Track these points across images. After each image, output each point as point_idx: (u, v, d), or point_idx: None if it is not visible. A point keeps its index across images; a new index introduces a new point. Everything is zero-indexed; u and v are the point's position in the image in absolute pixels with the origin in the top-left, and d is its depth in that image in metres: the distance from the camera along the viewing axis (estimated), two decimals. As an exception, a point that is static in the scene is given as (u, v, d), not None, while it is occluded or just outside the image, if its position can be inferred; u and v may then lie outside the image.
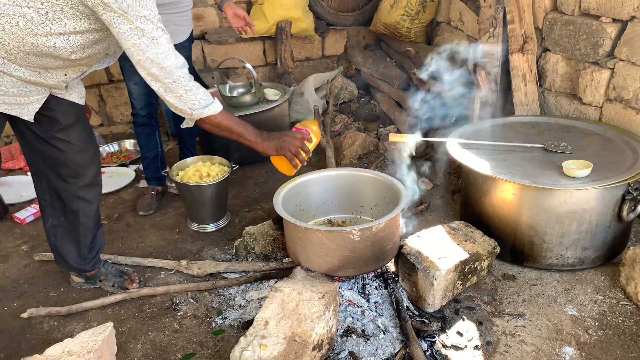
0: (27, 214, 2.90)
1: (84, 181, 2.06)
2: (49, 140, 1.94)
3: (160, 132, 2.98)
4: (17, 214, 2.90)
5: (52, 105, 1.88)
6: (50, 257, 2.51)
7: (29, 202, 3.05)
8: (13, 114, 1.78)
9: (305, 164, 2.00)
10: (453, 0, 3.56)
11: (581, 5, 2.65)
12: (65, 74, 1.80)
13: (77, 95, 1.97)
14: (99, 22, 1.61)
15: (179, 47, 2.76)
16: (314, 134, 2.06)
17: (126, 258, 2.48)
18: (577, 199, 2.10)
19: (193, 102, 1.72)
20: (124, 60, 2.71)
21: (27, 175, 3.37)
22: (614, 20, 2.51)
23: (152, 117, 2.88)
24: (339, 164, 3.25)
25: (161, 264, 2.44)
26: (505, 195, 2.23)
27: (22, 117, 1.80)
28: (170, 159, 3.38)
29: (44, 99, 1.83)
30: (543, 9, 2.86)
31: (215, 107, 1.77)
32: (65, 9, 1.56)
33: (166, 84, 1.67)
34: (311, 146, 2.03)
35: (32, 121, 1.83)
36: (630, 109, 2.50)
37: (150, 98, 2.84)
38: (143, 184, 3.23)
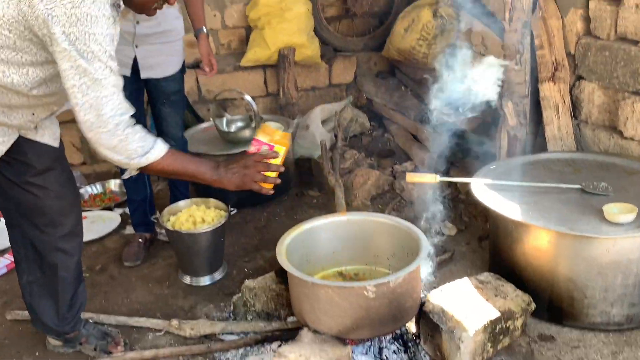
0: (0, 266, 2.91)
1: (62, 231, 2.08)
2: (23, 185, 1.97)
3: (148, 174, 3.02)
4: (-12, 265, 2.92)
5: (24, 149, 1.92)
6: (24, 316, 2.51)
7: (2, 252, 3.07)
8: None
9: (279, 181, 1.90)
10: (474, 23, 3.64)
11: (617, 30, 2.70)
12: (33, 113, 1.84)
13: (49, 137, 1.99)
14: None
15: (169, 80, 2.86)
16: (279, 144, 1.92)
17: (110, 317, 2.48)
18: (621, 247, 2.10)
19: (129, 152, 1.68)
20: None
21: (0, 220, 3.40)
22: (655, 46, 2.55)
23: None
24: (349, 206, 3.26)
25: (149, 324, 2.44)
26: (540, 244, 2.24)
27: None
28: (160, 201, 3.41)
29: (12, 141, 1.87)
30: (575, 33, 2.91)
31: (155, 154, 1.72)
32: (19, 41, 1.60)
33: (99, 133, 1.64)
34: (279, 160, 1.89)
35: None
36: (678, 144, 2.51)
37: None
38: (129, 230, 3.25)
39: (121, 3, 1.70)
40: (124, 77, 2.87)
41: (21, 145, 1.89)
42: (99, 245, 3.17)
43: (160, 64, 2.79)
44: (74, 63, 1.55)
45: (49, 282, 2.15)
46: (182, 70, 2.91)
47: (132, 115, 1.71)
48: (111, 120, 1.62)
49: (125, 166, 1.74)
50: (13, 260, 2.89)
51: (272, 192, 1.89)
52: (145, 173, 1.81)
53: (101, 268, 2.94)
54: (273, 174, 1.86)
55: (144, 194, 3.01)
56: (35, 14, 1.53)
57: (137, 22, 2.65)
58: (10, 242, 2.13)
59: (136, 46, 2.70)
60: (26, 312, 2.52)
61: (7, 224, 2.12)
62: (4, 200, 2.05)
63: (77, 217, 2.14)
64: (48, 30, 1.53)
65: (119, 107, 1.65)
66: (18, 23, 1.57)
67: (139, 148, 1.69)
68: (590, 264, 2.14)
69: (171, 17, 2.75)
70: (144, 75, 2.75)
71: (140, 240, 3.03)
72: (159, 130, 2.99)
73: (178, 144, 3.00)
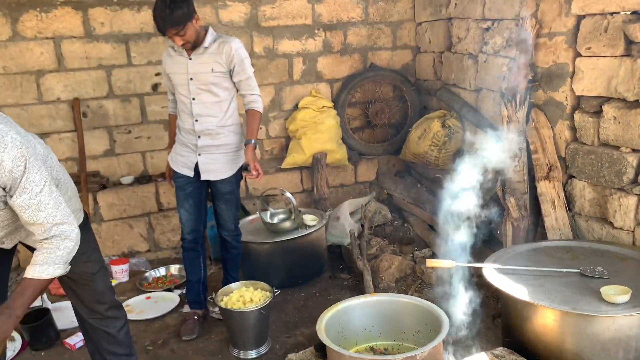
0: (77, 340, 2.96)
1: (103, 307, 2.17)
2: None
3: (205, 257, 3.12)
4: (67, 340, 2.98)
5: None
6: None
7: (79, 328, 3.13)
8: None
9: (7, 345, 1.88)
10: (478, 132, 3.80)
11: (600, 137, 2.81)
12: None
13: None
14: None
15: (224, 182, 2.97)
16: None
17: (171, 386, 2.49)
18: (620, 325, 2.08)
19: None
20: (179, 189, 2.96)
21: (77, 300, 3.50)
22: (634, 150, 2.65)
23: (198, 243, 3.04)
24: (376, 288, 3.28)
25: (205, 393, 2.43)
26: (547, 322, 2.23)
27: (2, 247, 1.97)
28: (212, 283, 3.48)
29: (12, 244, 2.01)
30: (564, 140, 3.04)
31: None
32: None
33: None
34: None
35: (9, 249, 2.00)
36: (662, 233, 2.54)
37: (198, 224, 3.03)
38: (187, 308, 3.30)
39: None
40: (187, 177, 3.04)
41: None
42: (161, 322, 3.20)
43: (217, 170, 2.94)
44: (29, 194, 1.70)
45: (99, 351, 2.23)
46: (237, 175, 3.02)
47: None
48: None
49: None
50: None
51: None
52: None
53: (162, 342, 2.96)
54: None
55: (199, 276, 3.08)
56: None
57: (199, 137, 2.87)
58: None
59: (199, 154, 2.90)
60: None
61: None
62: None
63: (96, 296, 2.18)
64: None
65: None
66: None
67: None
68: (594, 341, 2.12)
69: (231, 133, 2.94)
70: (203, 177, 2.92)
71: (195, 317, 3.07)
72: (217, 222, 3.11)
73: (230, 235, 3.11)
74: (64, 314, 3.28)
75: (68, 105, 3.88)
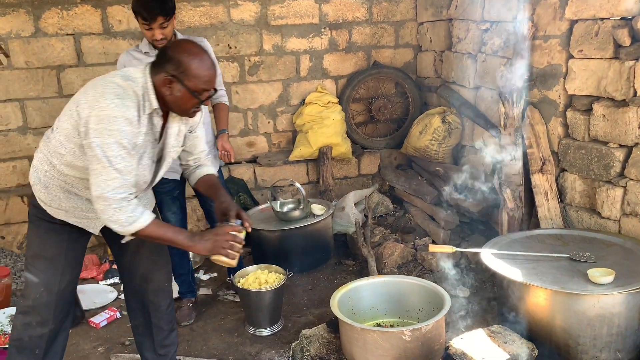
0: (101, 319, 3.17)
1: (153, 286, 2.31)
2: (124, 251, 2.25)
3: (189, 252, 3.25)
4: (92, 319, 3.17)
5: None
6: (125, 358, 2.73)
7: (102, 308, 3.33)
8: (82, 226, 2.11)
9: (242, 251, 2.08)
10: (476, 127, 4.01)
11: (590, 133, 3.02)
12: None
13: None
14: None
15: None
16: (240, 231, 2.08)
17: (194, 359, 2.69)
18: (604, 303, 2.29)
19: (121, 221, 1.89)
20: (166, 195, 3.00)
21: (99, 284, 3.70)
22: (620, 146, 2.85)
23: None
24: (380, 273, 3.47)
25: (226, 366, 2.64)
26: (538, 301, 2.43)
27: (89, 230, 2.13)
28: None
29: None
30: (557, 136, 3.24)
31: (140, 223, 1.91)
32: (75, 148, 1.94)
33: (102, 206, 1.88)
34: (243, 235, 2.06)
35: (98, 234, 2.16)
36: (645, 222, 2.75)
37: (184, 223, 3.18)
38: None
39: (158, 110, 1.95)
40: (175, 180, 3.01)
41: None
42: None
43: None
44: (93, 152, 1.84)
45: (147, 325, 2.37)
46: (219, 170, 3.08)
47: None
48: (111, 197, 1.86)
49: (120, 233, 1.95)
50: (112, 314, 3.19)
51: (235, 265, 2.05)
52: (139, 237, 1.99)
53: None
54: (237, 245, 2.01)
55: (188, 268, 3.19)
56: (80, 118, 1.86)
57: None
58: (124, 292, 2.42)
59: None
60: (127, 355, 2.76)
61: (120, 279, 2.43)
62: (116, 260, 2.36)
63: (166, 276, 2.36)
64: (86, 127, 1.84)
65: (119, 188, 1.86)
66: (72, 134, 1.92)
67: (129, 218, 1.91)
68: (581, 317, 2.32)
69: (209, 128, 3.06)
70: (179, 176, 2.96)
71: (189, 304, 3.18)
72: (211, 222, 3.21)
73: None
74: (85, 296, 3.47)
75: (87, 98, 4.06)
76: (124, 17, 4.04)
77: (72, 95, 2.05)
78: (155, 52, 2.86)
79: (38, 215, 2.09)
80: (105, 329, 3.13)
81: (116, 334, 3.03)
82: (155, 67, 1.94)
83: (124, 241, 2.06)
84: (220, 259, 2.01)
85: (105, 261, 3.95)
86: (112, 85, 1.89)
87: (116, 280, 3.66)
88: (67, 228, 2.11)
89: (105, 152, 1.82)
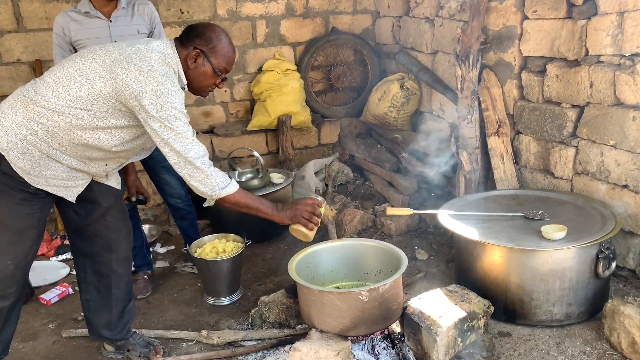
0: (52, 295, 3.03)
1: (117, 256, 2.26)
2: (89, 220, 2.17)
3: (141, 222, 3.17)
4: (42, 296, 3.03)
5: (94, 188, 2.13)
6: (77, 333, 2.63)
7: (53, 285, 3.19)
8: (59, 194, 2.02)
9: (319, 225, 2.15)
10: (434, 92, 3.99)
11: (544, 95, 3.04)
12: (106, 165, 2.07)
13: (114, 182, 2.23)
14: (137, 120, 1.91)
15: (158, 150, 2.79)
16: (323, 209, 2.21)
17: (150, 331, 2.60)
18: (557, 258, 2.33)
19: (212, 185, 1.94)
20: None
21: (49, 260, 3.54)
22: (573, 106, 2.89)
23: (134, 210, 2.99)
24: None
25: (182, 335, 2.57)
26: (494, 259, 2.46)
27: (67, 199, 2.04)
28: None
29: (87, 184, 2.09)
30: (512, 98, 3.25)
31: (231, 188, 1.98)
32: (110, 109, 1.88)
33: (190, 170, 1.93)
34: (322, 210, 2.16)
35: (74, 202, 2.07)
36: (596, 180, 2.81)
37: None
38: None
39: (185, 86, 2.01)
40: None
41: (91, 186, 2.10)
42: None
43: None
44: (162, 123, 1.84)
45: (104, 298, 2.30)
46: None
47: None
48: (196, 161, 1.90)
49: (208, 197, 1.97)
50: (64, 290, 3.07)
51: (311, 238, 2.13)
52: (220, 204, 2.01)
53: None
54: (316, 218, 2.11)
55: (141, 240, 3.08)
56: (128, 91, 1.82)
57: None
58: (75, 267, 2.30)
59: None
60: (79, 330, 2.66)
61: (72, 252, 2.30)
62: (71, 232, 2.24)
63: (129, 244, 2.33)
64: (139, 103, 1.82)
65: (199, 151, 1.92)
66: (111, 97, 1.85)
67: (220, 182, 1.95)
68: (534, 273, 2.37)
69: None
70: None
71: (145, 277, 3.08)
72: (165, 193, 3.07)
73: (183, 202, 3.11)
74: (36, 273, 3.31)
75: (29, 66, 3.81)
76: (66, -22, 3.79)
77: (13, 63, 1.91)
78: (97, 12, 2.71)
79: (9, 183, 1.93)
80: (56, 305, 3.00)
81: (68, 310, 2.91)
82: (181, 41, 1.99)
83: (206, 204, 2.05)
84: (300, 229, 2.09)
85: (56, 237, 3.78)
86: (155, 62, 1.89)
87: (68, 255, 3.51)
88: (40, 198, 1.99)
89: (172, 123, 1.85)
